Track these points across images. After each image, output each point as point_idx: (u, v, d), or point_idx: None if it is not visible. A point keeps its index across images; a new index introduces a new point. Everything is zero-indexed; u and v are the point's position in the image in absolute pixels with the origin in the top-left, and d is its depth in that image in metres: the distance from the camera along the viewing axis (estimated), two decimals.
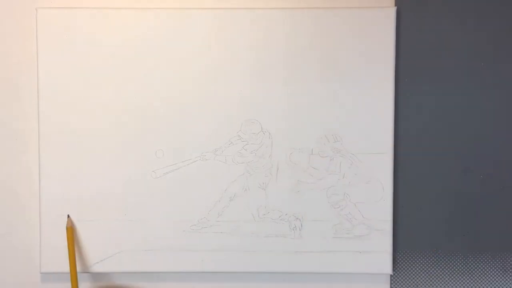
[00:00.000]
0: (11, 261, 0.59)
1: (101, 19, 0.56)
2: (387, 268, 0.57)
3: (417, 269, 0.59)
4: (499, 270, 0.59)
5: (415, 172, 0.58)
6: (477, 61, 0.58)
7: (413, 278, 0.59)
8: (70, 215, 0.57)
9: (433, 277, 0.59)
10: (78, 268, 0.57)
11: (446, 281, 0.59)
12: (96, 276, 0.58)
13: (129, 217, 0.57)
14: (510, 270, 0.59)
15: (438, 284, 0.59)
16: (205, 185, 0.57)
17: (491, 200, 0.59)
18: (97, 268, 0.57)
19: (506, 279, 0.59)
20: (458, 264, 0.59)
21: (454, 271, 0.59)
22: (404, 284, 0.59)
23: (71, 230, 0.55)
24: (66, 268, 0.57)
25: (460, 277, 0.59)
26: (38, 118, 0.57)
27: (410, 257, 0.59)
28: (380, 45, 0.57)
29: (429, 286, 0.59)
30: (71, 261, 0.55)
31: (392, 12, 0.57)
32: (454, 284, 0.59)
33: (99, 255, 0.57)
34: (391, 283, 0.59)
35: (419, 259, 0.59)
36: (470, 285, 0.59)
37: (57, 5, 0.57)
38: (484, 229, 0.59)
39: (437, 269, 0.59)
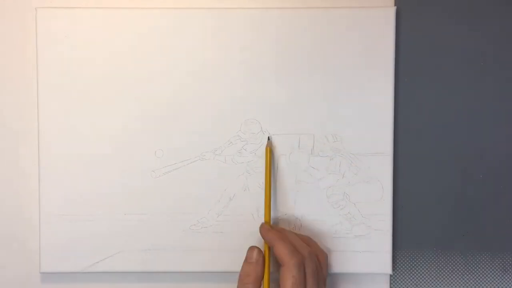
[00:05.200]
0: (11, 261, 0.59)
1: (101, 19, 0.57)
2: (387, 268, 0.57)
3: (417, 269, 0.59)
4: (499, 269, 0.59)
5: (415, 172, 0.58)
6: (477, 61, 0.58)
7: (413, 278, 0.59)
8: (70, 215, 0.57)
9: (433, 276, 0.59)
10: (78, 268, 0.57)
11: (446, 280, 0.59)
12: (96, 276, 0.58)
13: (128, 217, 0.57)
14: (510, 270, 0.59)
15: (438, 284, 0.59)
16: (204, 185, 0.57)
17: (491, 200, 0.59)
18: (97, 268, 0.57)
19: (506, 279, 0.59)
20: (458, 263, 0.59)
21: (454, 271, 0.59)
22: (404, 284, 0.59)
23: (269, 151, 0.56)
24: (66, 268, 0.57)
25: (460, 277, 0.59)
26: (38, 118, 0.57)
27: (410, 257, 0.59)
28: (379, 45, 0.57)
29: (429, 286, 0.59)
30: (267, 183, 0.55)
31: (392, 12, 0.56)
32: (454, 284, 0.59)
33: (99, 255, 0.57)
34: (390, 283, 0.59)
35: (419, 259, 0.59)
36: (470, 284, 0.59)
37: (57, 5, 0.57)
38: (484, 229, 0.59)
39: (437, 269, 0.59)
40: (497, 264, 0.59)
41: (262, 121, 0.57)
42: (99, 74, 0.57)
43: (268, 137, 0.57)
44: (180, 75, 0.57)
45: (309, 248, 0.52)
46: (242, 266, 0.54)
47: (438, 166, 0.58)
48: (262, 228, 0.54)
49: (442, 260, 0.59)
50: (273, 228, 0.55)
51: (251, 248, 0.54)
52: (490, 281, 0.59)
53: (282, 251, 0.51)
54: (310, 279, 0.51)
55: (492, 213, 0.58)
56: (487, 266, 0.59)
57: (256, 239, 0.57)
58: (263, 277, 0.53)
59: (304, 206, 0.57)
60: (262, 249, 0.54)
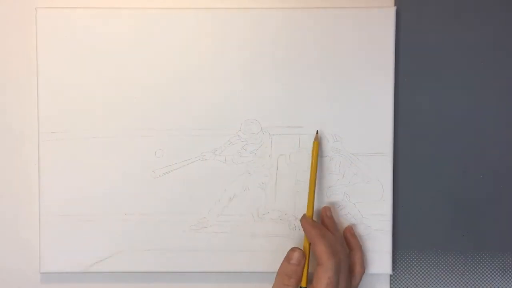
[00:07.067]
0: (11, 261, 0.59)
1: (101, 19, 0.57)
2: (387, 268, 0.57)
3: (417, 269, 0.59)
4: (498, 270, 0.59)
5: (415, 172, 0.58)
6: (477, 61, 0.58)
7: (413, 278, 0.59)
8: (70, 215, 0.57)
9: (433, 277, 0.59)
10: (78, 268, 0.57)
11: (446, 281, 0.59)
12: (96, 276, 0.58)
13: (128, 217, 0.57)
14: (510, 270, 0.59)
15: (438, 284, 0.59)
16: (204, 185, 0.57)
17: (491, 200, 0.59)
18: (97, 268, 0.57)
19: (506, 279, 0.59)
20: (458, 263, 0.59)
21: (454, 271, 0.59)
22: (404, 284, 0.59)
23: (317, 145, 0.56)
24: (66, 268, 0.57)
25: (460, 277, 0.59)
26: (38, 118, 0.57)
27: (409, 257, 0.59)
28: (379, 45, 0.57)
29: (429, 286, 0.59)
30: (312, 176, 0.55)
31: (391, 12, 0.56)
32: (453, 284, 0.59)
33: (99, 255, 0.57)
34: (390, 283, 0.59)
35: (419, 259, 0.59)
36: (469, 284, 0.59)
37: (57, 5, 0.57)
38: (484, 229, 0.59)
39: (436, 269, 0.59)
40: (496, 264, 0.59)
41: (262, 121, 0.57)
42: (99, 74, 0.57)
43: (317, 131, 0.56)
44: (180, 75, 0.57)
45: (344, 250, 0.52)
46: (283, 265, 0.52)
47: (438, 166, 0.58)
48: (306, 222, 0.53)
49: (442, 260, 0.59)
50: (314, 223, 0.54)
51: (293, 249, 0.53)
52: (490, 281, 0.59)
53: (323, 250, 0.50)
54: (343, 283, 0.51)
55: (491, 213, 0.58)
56: (486, 266, 0.59)
57: (256, 239, 0.57)
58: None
59: (304, 206, 0.57)
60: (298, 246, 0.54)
